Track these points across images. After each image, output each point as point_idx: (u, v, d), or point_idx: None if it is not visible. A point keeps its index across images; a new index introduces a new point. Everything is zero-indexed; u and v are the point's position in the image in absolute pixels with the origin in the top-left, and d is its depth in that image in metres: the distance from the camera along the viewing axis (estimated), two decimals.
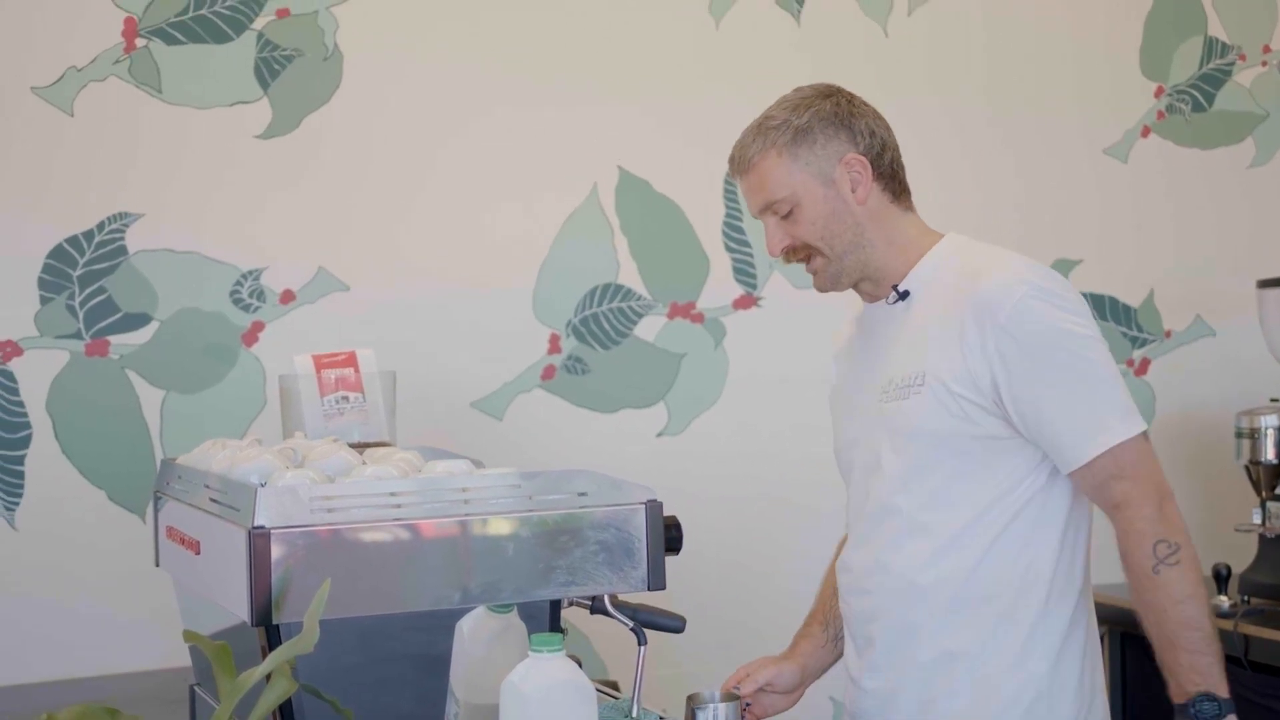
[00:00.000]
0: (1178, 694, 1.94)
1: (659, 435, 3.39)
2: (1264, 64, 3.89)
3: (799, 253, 2.12)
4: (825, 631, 2.32)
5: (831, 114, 2.09)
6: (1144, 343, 3.81)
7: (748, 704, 2.19)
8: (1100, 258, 3.77)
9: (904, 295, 2.10)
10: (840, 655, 2.30)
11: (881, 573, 2.11)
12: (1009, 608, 2.05)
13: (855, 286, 2.17)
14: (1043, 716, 2.04)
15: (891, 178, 2.12)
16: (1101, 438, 1.96)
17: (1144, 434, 2.00)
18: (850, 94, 2.14)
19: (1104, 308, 3.77)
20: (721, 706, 2.00)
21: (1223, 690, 1.92)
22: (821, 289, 2.16)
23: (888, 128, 2.14)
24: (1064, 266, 3.73)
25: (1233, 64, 3.86)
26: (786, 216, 2.09)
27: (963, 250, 2.11)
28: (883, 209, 2.11)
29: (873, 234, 2.09)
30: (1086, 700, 2.09)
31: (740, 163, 2.12)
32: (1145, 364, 3.81)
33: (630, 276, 3.36)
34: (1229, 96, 3.86)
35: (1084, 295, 3.67)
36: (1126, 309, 3.79)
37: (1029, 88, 3.72)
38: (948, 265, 2.09)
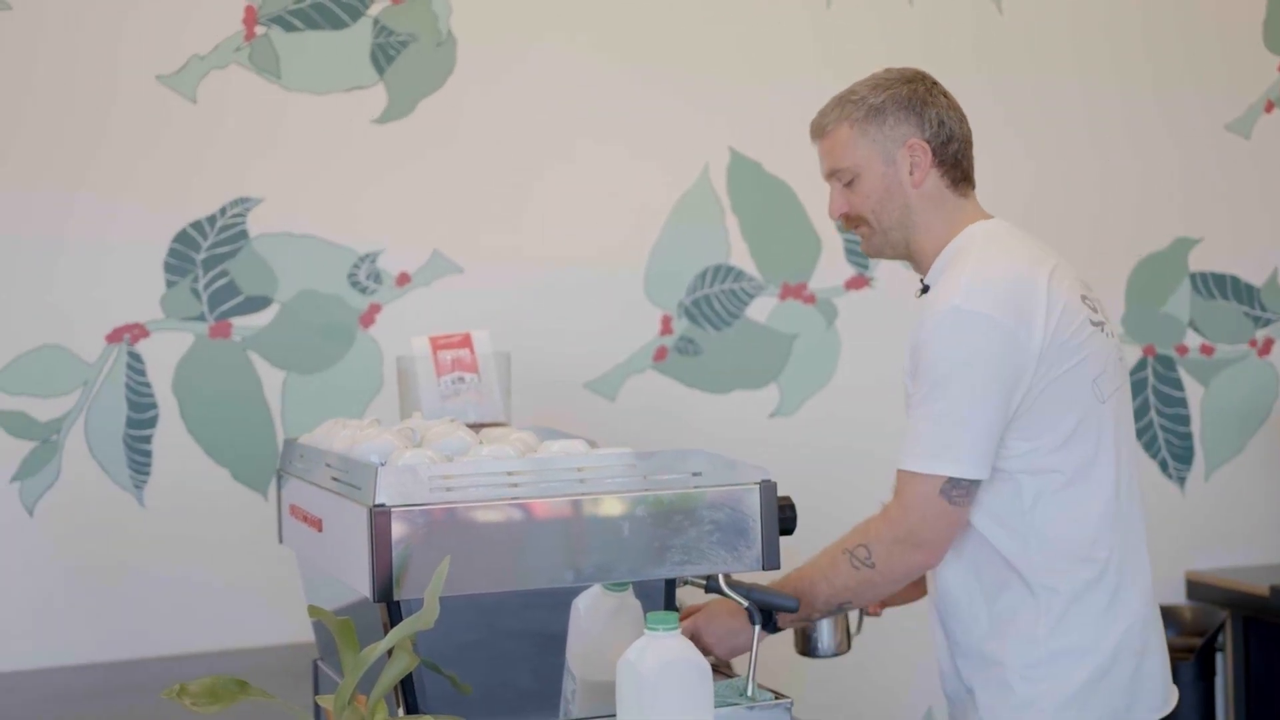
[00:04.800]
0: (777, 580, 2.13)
1: (771, 416, 3.39)
2: None
3: (852, 220, 2.25)
4: None
5: (906, 99, 2.21)
6: (1267, 322, 3.73)
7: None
8: (1222, 236, 3.70)
9: (926, 289, 2.21)
10: None
11: None
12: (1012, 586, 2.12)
13: (907, 261, 2.29)
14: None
15: (954, 166, 2.22)
16: (905, 459, 2.08)
17: (948, 480, 2.04)
18: (933, 82, 2.24)
19: (1225, 287, 3.70)
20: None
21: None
22: (867, 253, 2.30)
23: (961, 119, 2.23)
24: (1184, 245, 3.66)
25: None
26: (848, 185, 2.22)
27: (967, 249, 2.17)
28: (938, 194, 2.21)
29: (920, 217, 2.21)
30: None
31: (816, 129, 2.27)
32: (1269, 344, 3.73)
33: (742, 258, 3.36)
34: None
35: (1204, 274, 3.65)
36: (1249, 288, 3.72)
37: (1148, 63, 3.65)
38: (951, 268, 2.16)
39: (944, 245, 2.21)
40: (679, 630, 1.70)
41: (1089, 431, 2.11)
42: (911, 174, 2.19)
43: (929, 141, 2.20)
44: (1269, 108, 3.72)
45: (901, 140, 2.19)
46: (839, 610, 2.16)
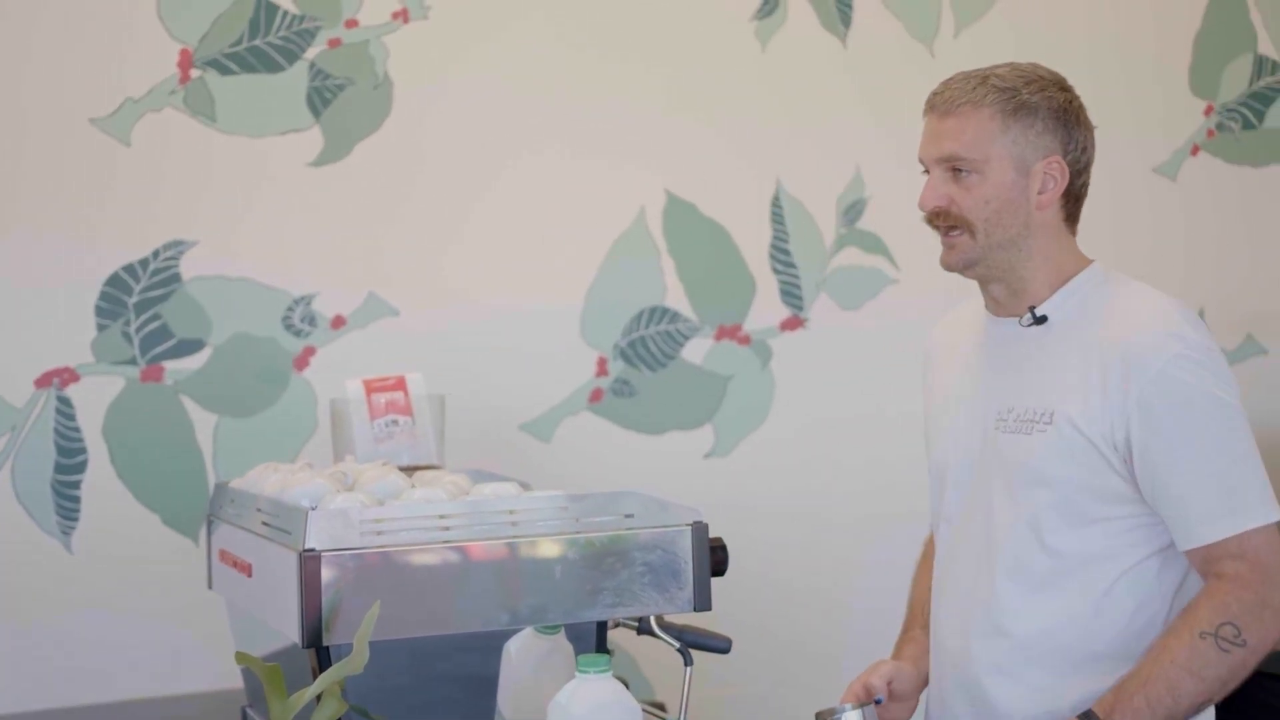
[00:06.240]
0: (1100, 705, 1.85)
1: (706, 457, 3.40)
2: None
3: (947, 219, 1.94)
4: (927, 636, 2.13)
5: (1061, 108, 1.94)
6: None
7: (879, 700, 2.04)
8: (1149, 276, 3.68)
9: (1040, 320, 1.95)
10: None
11: (983, 617, 1.98)
12: (1118, 667, 1.90)
13: (985, 286, 2.01)
14: None
15: (1075, 200, 1.99)
16: (1233, 520, 1.83)
17: (1277, 524, 1.85)
18: (1082, 102, 1.99)
19: None
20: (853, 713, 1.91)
21: None
22: (948, 265, 1.97)
23: (1093, 153, 1.99)
24: None
25: None
26: (960, 178, 1.92)
27: (1110, 284, 1.98)
28: (1055, 224, 1.96)
29: (1035, 242, 1.94)
30: None
31: (945, 103, 1.94)
32: None
33: (677, 299, 3.38)
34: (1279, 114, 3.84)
35: None
36: None
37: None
38: (1093, 298, 1.96)
39: (1062, 279, 1.96)
40: (610, 672, 1.70)
41: None
42: (1041, 193, 1.92)
43: (1069, 165, 1.93)
44: (1194, 151, 3.79)
45: (1044, 152, 1.91)
46: (1201, 709, 1.86)
